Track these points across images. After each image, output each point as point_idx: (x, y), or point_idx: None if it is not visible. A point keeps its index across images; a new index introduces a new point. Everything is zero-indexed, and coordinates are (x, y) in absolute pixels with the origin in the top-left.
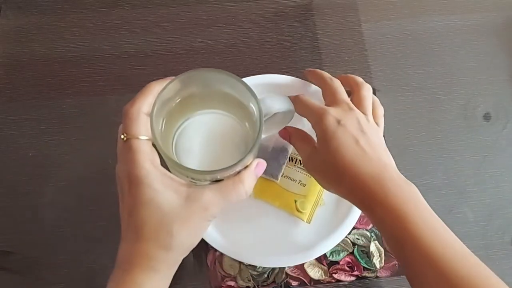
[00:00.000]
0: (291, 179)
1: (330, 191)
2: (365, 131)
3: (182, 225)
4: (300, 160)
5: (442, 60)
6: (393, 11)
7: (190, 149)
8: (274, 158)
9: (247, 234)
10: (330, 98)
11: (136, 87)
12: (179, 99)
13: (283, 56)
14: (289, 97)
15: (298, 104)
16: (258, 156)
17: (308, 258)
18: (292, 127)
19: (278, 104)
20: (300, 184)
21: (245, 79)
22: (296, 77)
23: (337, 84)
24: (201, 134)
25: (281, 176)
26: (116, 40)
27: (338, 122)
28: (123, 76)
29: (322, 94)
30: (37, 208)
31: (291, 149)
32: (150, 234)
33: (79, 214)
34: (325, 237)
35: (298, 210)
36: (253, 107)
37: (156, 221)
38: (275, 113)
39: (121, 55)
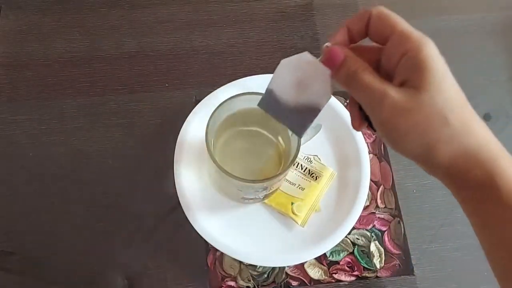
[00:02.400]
0: (290, 182)
1: (414, 159)
2: None
3: None
4: (301, 165)
5: None
6: (393, 11)
7: (232, 159)
8: (297, 112)
9: (247, 233)
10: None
11: (136, 87)
12: (225, 117)
13: (284, 56)
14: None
15: (387, 15)
16: (274, 108)
17: (308, 258)
18: (347, 50)
19: None
20: (299, 187)
21: (245, 79)
22: None
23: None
24: (241, 146)
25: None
26: (116, 40)
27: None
28: (123, 76)
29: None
30: (37, 209)
31: (322, 106)
32: None
33: (79, 214)
34: (322, 240)
35: (293, 213)
36: None
37: None
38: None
39: (121, 55)
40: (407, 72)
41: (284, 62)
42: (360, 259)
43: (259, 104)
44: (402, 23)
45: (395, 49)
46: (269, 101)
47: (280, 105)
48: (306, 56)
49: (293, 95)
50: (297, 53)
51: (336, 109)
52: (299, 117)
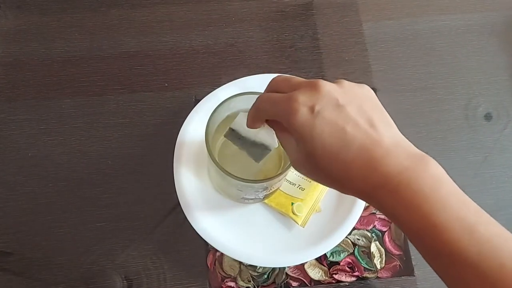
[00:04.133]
0: (290, 182)
1: None
2: (344, 103)
3: None
4: None
5: (443, 60)
6: (393, 10)
7: (232, 159)
8: (255, 146)
9: (247, 234)
10: (287, 90)
11: (135, 87)
12: (225, 117)
13: (283, 55)
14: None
15: (262, 103)
16: (237, 142)
17: (308, 258)
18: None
19: None
20: (299, 188)
21: (245, 79)
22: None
23: (279, 78)
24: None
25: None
26: (115, 40)
27: (312, 110)
28: (122, 76)
29: (274, 107)
30: (36, 209)
31: (273, 147)
32: None
33: (78, 214)
34: (322, 240)
35: (293, 213)
36: None
37: None
38: None
39: (120, 55)
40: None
41: (242, 114)
42: (360, 260)
43: (225, 136)
44: (272, 99)
45: (279, 120)
46: (232, 137)
47: (242, 139)
48: None
49: (252, 134)
50: (297, 52)
51: None
52: (257, 150)
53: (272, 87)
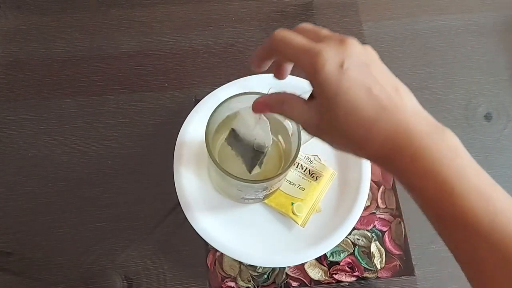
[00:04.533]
0: (290, 182)
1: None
2: (370, 64)
3: None
4: (301, 165)
5: (443, 60)
6: (393, 10)
7: (232, 159)
8: (251, 149)
9: (247, 234)
10: (314, 39)
11: (135, 87)
12: (225, 117)
13: None
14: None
15: (280, 44)
16: (236, 145)
17: (308, 258)
18: (266, 95)
19: None
20: (299, 188)
21: (244, 79)
22: (297, 76)
23: (306, 26)
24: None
25: (256, 170)
26: (115, 40)
27: (341, 65)
28: (122, 76)
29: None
30: (36, 209)
31: (268, 144)
32: None
33: (78, 214)
34: (322, 240)
35: (293, 213)
36: (289, 123)
37: None
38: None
39: (120, 55)
40: (313, 90)
41: (242, 111)
42: (360, 260)
43: (225, 140)
44: (295, 44)
45: (299, 67)
46: (232, 139)
47: (240, 141)
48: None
49: (249, 132)
50: None
51: None
52: (253, 154)
53: (297, 30)
